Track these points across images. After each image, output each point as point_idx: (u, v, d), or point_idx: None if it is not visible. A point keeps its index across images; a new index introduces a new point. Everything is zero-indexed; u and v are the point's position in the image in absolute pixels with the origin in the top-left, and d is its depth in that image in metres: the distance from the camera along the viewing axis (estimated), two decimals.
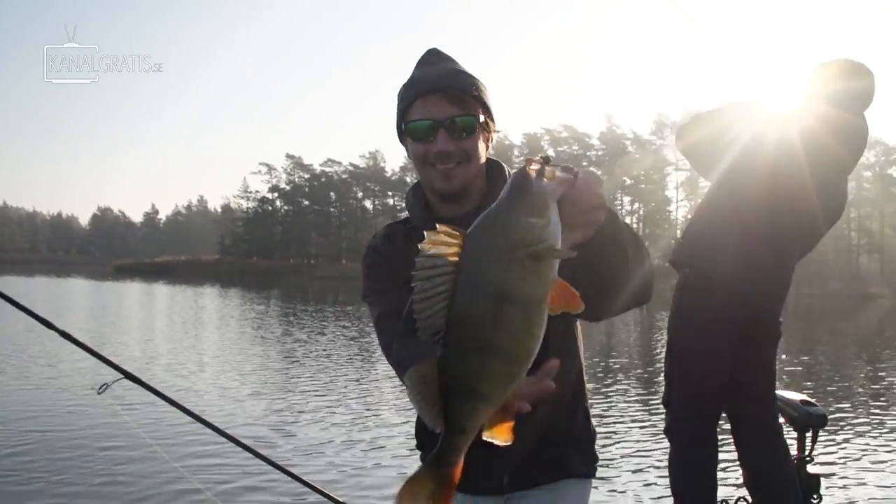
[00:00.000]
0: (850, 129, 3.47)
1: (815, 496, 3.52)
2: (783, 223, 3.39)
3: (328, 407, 8.99)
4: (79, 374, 9.89)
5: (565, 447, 1.87)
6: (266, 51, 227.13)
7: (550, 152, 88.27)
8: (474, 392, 1.14)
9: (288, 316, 24.05)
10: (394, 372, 1.80)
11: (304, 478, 3.08)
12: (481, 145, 1.81)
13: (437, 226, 1.13)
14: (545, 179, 1.12)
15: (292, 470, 3.02)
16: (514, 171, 1.19)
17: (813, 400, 3.63)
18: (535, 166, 1.13)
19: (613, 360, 13.65)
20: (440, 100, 1.74)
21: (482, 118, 1.79)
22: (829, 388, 11.43)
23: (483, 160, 1.84)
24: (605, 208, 1.26)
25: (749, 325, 3.40)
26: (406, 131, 1.80)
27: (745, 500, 3.59)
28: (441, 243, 1.12)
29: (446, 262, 1.11)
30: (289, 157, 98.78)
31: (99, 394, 2.62)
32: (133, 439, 6.36)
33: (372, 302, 1.90)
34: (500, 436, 1.20)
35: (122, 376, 2.71)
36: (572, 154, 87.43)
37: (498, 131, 1.88)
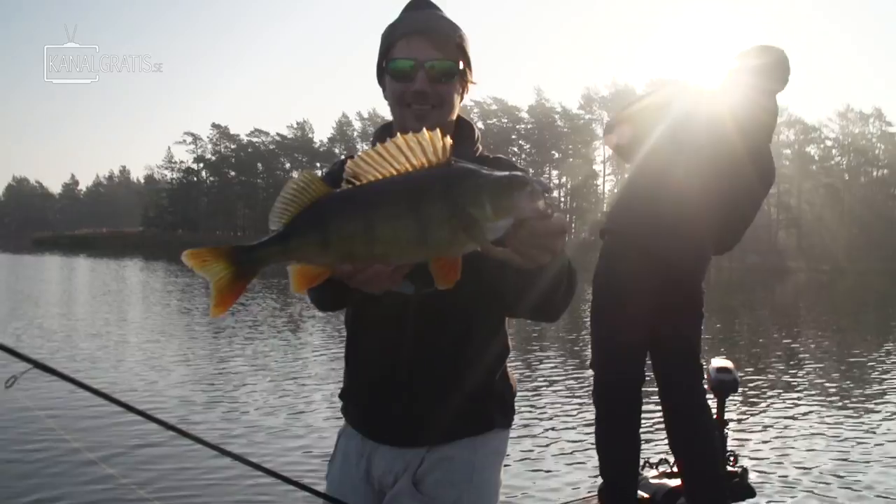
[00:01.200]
0: (770, 100, 3.60)
1: (729, 455, 3.64)
2: (713, 192, 3.45)
3: (254, 377, 8.97)
4: None
5: (487, 402, 1.89)
6: (193, 20, 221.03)
7: (480, 125, 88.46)
8: (327, 237, 1.24)
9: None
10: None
11: (230, 449, 3.04)
12: (457, 95, 1.82)
13: (437, 132, 1.22)
14: (532, 201, 1.18)
15: (218, 444, 2.99)
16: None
17: (729, 365, 3.73)
18: (536, 187, 1.18)
19: (541, 327, 13.88)
20: (423, 42, 1.76)
21: (462, 66, 1.80)
22: (742, 355, 11.86)
23: (456, 111, 1.86)
24: (554, 254, 1.31)
25: (667, 289, 3.45)
26: (387, 70, 1.80)
27: (667, 461, 3.70)
28: (431, 143, 1.21)
29: (421, 157, 1.20)
30: (215, 126, 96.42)
31: (7, 387, 2.49)
32: (47, 431, 6.11)
33: None
34: (297, 282, 1.28)
35: (31, 366, 2.58)
36: (502, 127, 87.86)
37: (475, 83, 1.87)
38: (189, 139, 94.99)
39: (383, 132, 1.90)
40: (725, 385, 3.63)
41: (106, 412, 6.28)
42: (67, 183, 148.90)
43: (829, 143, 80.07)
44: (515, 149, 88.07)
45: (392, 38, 1.79)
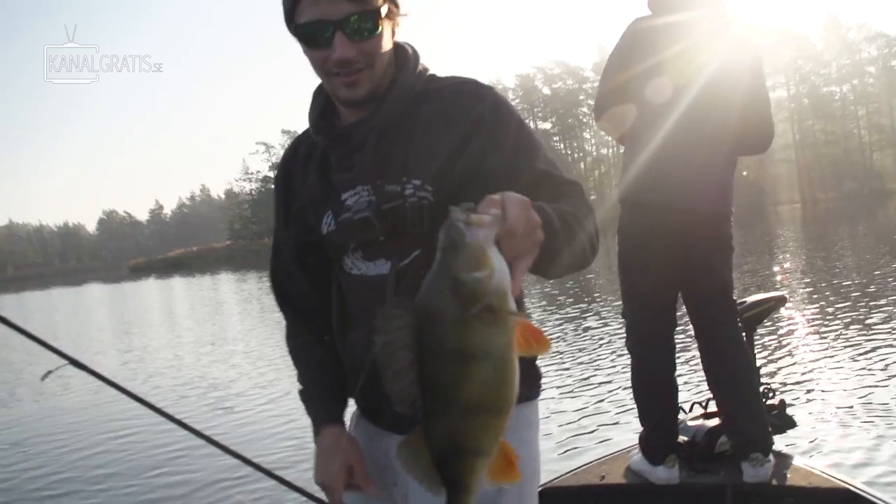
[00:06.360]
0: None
1: (765, 390, 3.53)
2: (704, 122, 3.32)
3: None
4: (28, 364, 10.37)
5: None
6: (252, 29, 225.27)
7: (545, 91, 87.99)
8: (468, 450, 1.11)
9: None
10: None
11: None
12: (386, 39, 1.51)
13: (386, 305, 1.10)
14: (475, 227, 1.04)
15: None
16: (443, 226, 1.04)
17: (756, 298, 3.63)
18: (461, 216, 1.04)
19: (577, 282, 14.07)
20: None
21: (385, 8, 1.48)
22: (816, 290, 11.42)
23: (389, 51, 1.54)
24: (540, 226, 1.15)
25: (692, 228, 3.33)
26: (297, 36, 1.49)
27: (700, 404, 3.62)
28: (393, 317, 1.05)
29: (404, 336, 1.06)
30: (284, 132, 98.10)
31: (42, 381, 2.62)
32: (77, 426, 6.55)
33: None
34: (506, 479, 1.16)
35: (66, 362, 2.70)
36: (568, 89, 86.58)
37: (405, 14, 1.54)
38: (262, 149, 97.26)
39: (316, 97, 1.66)
40: (750, 320, 3.54)
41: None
42: (153, 209, 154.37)
43: None
44: (585, 109, 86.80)
45: None
